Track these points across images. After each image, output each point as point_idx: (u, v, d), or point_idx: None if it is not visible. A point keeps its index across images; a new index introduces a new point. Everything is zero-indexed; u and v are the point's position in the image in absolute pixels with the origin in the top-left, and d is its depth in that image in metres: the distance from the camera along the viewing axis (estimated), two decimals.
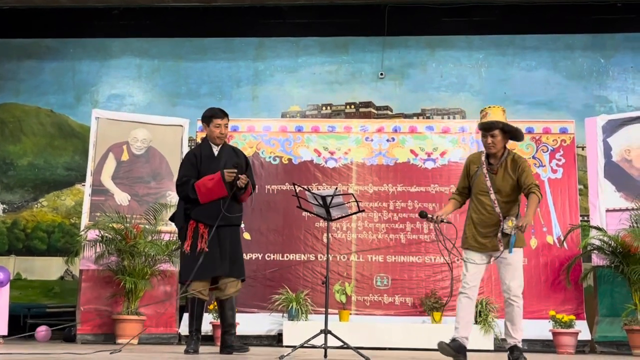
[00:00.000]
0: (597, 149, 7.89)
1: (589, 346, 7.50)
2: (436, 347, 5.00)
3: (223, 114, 5.43)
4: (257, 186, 5.52)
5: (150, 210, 7.77)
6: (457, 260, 5.31)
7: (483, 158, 5.13)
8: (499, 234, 4.95)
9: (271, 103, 9.74)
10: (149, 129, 8.19)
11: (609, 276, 7.49)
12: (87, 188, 7.92)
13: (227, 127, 5.46)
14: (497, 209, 4.97)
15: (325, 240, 6.21)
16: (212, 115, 5.42)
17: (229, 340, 5.37)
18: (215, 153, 5.43)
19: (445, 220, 5.12)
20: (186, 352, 5.25)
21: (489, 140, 5.02)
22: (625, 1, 9.36)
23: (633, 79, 9.49)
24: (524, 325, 6.39)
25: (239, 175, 5.21)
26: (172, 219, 5.62)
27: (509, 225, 4.89)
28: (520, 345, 5.05)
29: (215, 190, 5.20)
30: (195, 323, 5.35)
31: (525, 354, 5.11)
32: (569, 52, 9.62)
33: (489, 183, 5.02)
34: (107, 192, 7.93)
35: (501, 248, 4.95)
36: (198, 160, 5.36)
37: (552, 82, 9.52)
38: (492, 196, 4.98)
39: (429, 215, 5.13)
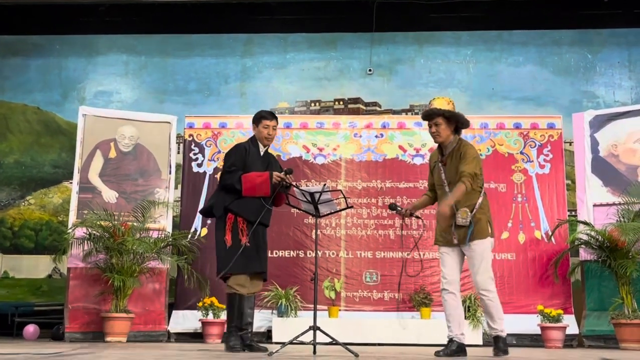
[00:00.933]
0: (585, 144, 7.93)
1: (576, 340, 7.54)
2: (426, 343, 5.00)
3: (272, 116, 5.57)
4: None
5: (138, 208, 7.74)
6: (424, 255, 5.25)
7: (438, 152, 5.14)
8: (452, 226, 4.92)
9: (259, 99, 9.69)
10: (136, 126, 8.15)
11: (597, 270, 7.54)
12: (74, 186, 7.88)
13: (275, 129, 5.57)
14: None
15: (314, 236, 6.21)
16: (261, 117, 5.55)
17: (246, 338, 5.37)
18: (262, 153, 5.56)
19: (413, 215, 5.13)
20: (231, 349, 5.22)
21: (433, 129, 5.02)
22: None
23: (620, 75, 9.54)
24: (512, 320, 6.41)
25: (288, 176, 5.31)
26: (204, 212, 5.69)
27: (462, 217, 4.85)
28: (503, 335, 4.99)
29: (262, 188, 5.28)
30: (236, 320, 5.32)
31: (514, 349, 5.12)
32: (556, 47, 9.65)
33: (443, 176, 5.02)
34: (94, 190, 7.89)
35: (455, 241, 4.94)
36: (247, 154, 5.47)
37: (539, 77, 9.55)
38: (446, 188, 4.97)
39: (399, 208, 5.16)
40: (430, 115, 5.02)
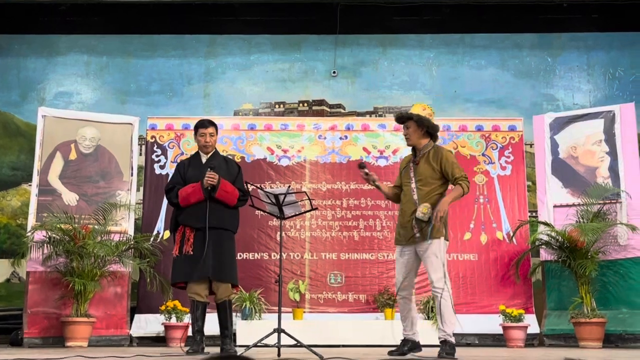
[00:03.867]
0: (545, 146, 8.06)
1: (537, 339, 7.66)
2: (390, 344, 5.05)
3: (208, 124, 5.63)
4: (248, 193, 5.62)
5: (99, 210, 7.62)
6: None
7: (412, 155, 5.35)
8: (413, 220, 5.07)
9: (223, 101, 9.65)
10: (97, 127, 8.03)
11: (557, 270, 7.67)
12: (33, 188, 7.73)
13: (212, 135, 5.60)
14: (415, 197, 5.11)
15: (278, 238, 6.21)
16: (197, 126, 5.66)
17: (222, 343, 5.41)
18: (203, 161, 5.60)
19: (376, 184, 5.27)
20: (187, 352, 5.36)
21: (404, 131, 5.28)
22: (571, 2, 9.57)
23: (579, 78, 9.71)
24: (475, 320, 6.48)
25: (208, 174, 5.33)
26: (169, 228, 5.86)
27: (422, 211, 4.99)
28: (451, 339, 5.07)
29: (195, 194, 5.37)
30: (196, 324, 5.43)
31: (476, 348, 5.19)
32: (517, 51, 9.79)
33: (412, 173, 5.21)
34: (54, 192, 7.75)
35: (416, 234, 5.05)
36: (185, 169, 5.60)
37: (501, 80, 9.68)
38: (413, 185, 5.16)
39: (367, 170, 5.26)
40: (400, 118, 5.30)
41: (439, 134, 5.41)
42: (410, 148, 5.37)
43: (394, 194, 5.41)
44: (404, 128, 5.25)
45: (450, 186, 5.23)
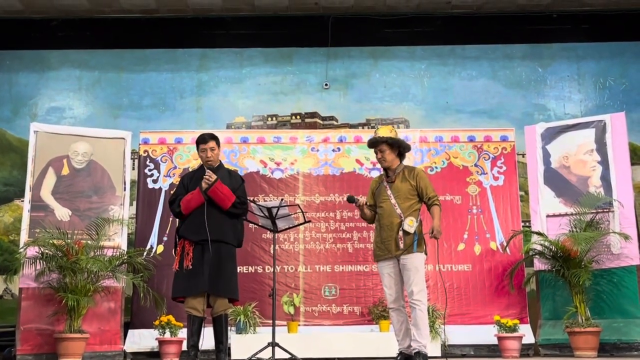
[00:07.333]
0: (537, 156, 8.09)
1: (533, 349, 7.65)
2: (385, 356, 5.06)
3: (208, 138, 5.60)
4: (247, 205, 5.69)
5: (92, 226, 7.58)
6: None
7: (383, 175, 5.53)
8: (400, 232, 5.21)
9: (216, 114, 9.66)
10: (90, 142, 8.01)
11: (551, 280, 7.67)
12: (26, 204, 7.69)
13: (213, 150, 5.58)
14: (398, 210, 5.29)
15: (272, 251, 6.20)
16: (197, 142, 5.64)
17: (217, 358, 5.40)
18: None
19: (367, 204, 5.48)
20: None
21: (379, 155, 5.44)
22: (561, 12, 9.66)
23: (569, 88, 9.78)
24: (469, 330, 6.55)
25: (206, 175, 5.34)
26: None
27: (409, 224, 5.20)
28: (426, 351, 5.15)
29: (195, 198, 5.37)
30: (191, 339, 5.38)
31: (472, 359, 5.21)
32: (508, 61, 9.85)
33: (389, 191, 5.38)
34: (47, 208, 7.71)
35: (401, 245, 5.19)
36: (189, 181, 5.60)
37: (492, 91, 9.73)
38: (393, 200, 5.32)
39: (357, 199, 5.48)
40: (374, 143, 5.44)
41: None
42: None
43: (370, 214, 5.56)
44: (378, 152, 5.41)
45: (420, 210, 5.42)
